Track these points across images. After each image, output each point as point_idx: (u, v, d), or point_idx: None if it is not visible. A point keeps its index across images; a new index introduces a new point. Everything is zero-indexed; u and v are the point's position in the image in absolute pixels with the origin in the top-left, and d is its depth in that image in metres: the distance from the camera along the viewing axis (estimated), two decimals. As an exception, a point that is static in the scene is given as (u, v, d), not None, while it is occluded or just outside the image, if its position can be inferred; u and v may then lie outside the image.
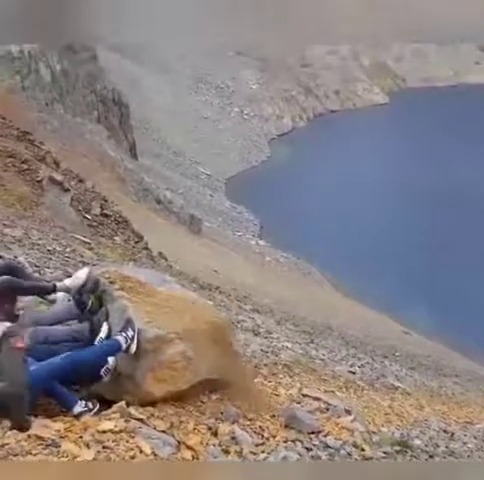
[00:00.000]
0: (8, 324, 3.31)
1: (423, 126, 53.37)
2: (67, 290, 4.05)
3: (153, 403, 3.76)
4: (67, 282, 4.07)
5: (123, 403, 3.44)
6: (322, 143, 49.74)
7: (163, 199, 28.95)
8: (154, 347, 3.87)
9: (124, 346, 3.74)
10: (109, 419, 3.23)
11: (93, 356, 3.69)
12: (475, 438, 6.34)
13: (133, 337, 3.79)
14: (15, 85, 25.01)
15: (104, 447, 2.92)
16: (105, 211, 12.74)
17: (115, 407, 3.39)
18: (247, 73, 59.43)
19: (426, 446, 5.20)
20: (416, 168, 43.30)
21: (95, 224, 12.07)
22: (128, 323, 3.86)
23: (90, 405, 3.56)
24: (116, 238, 11.93)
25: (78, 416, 3.42)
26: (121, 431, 3.09)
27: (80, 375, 3.62)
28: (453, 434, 6.18)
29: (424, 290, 26.90)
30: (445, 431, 6.22)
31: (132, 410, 3.42)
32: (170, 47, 51.63)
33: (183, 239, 26.18)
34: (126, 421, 3.23)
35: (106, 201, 13.59)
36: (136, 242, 12.58)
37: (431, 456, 4.84)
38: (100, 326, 3.83)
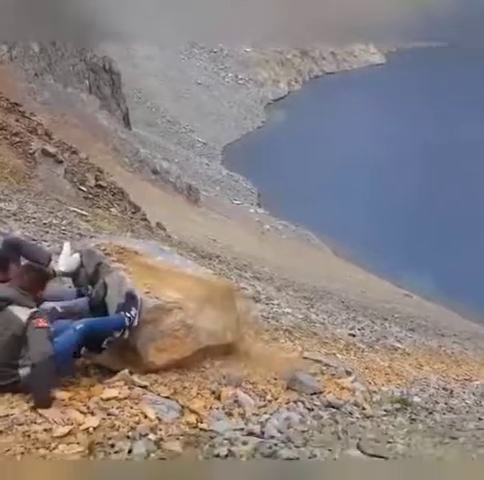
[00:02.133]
0: (34, 309, 3.44)
1: (419, 85, 52.68)
2: (66, 275, 4.12)
3: (156, 371, 3.81)
4: (62, 268, 4.14)
5: (126, 371, 3.49)
6: (318, 107, 49.02)
7: (159, 169, 28.73)
8: (154, 317, 3.90)
9: (127, 324, 3.79)
10: (113, 387, 3.28)
11: (102, 327, 3.77)
12: (474, 394, 6.45)
13: (136, 314, 3.82)
14: (3, 55, 24.44)
15: (109, 414, 2.97)
16: (100, 182, 12.63)
17: (118, 375, 3.44)
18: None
19: (426, 403, 5.30)
20: (413, 128, 42.92)
21: (91, 196, 11.99)
22: (130, 300, 3.88)
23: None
24: (112, 209, 11.88)
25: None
26: (125, 398, 3.15)
27: (88, 342, 3.69)
28: (452, 391, 6.29)
29: (423, 253, 27.04)
30: (444, 388, 6.33)
31: (135, 378, 3.47)
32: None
33: (181, 209, 26.12)
34: (130, 388, 3.29)
35: (101, 172, 13.47)
36: (133, 213, 12.54)
37: (431, 413, 4.94)
38: (99, 300, 3.87)
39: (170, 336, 3.92)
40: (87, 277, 4.19)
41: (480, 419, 5.16)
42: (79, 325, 3.56)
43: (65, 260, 4.26)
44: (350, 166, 37.17)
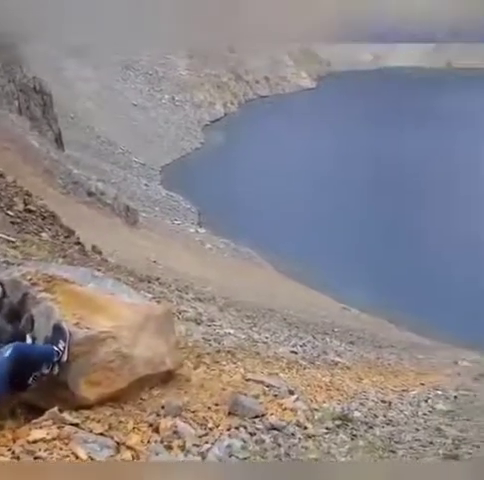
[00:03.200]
0: None
1: (348, 108, 55.22)
2: None
3: (89, 407, 3.62)
4: None
5: (55, 409, 3.28)
6: (254, 128, 50.07)
7: (95, 191, 28.06)
8: (85, 349, 3.69)
9: (55, 359, 3.54)
10: (40, 427, 3.07)
11: (33, 353, 3.47)
12: (410, 405, 6.62)
13: (64, 348, 3.59)
14: None
15: (36, 458, 2.77)
16: (29, 206, 12.12)
17: (47, 414, 3.22)
18: (175, 59, 58.51)
19: (365, 417, 5.38)
20: (344, 148, 44.63)
21: (19, 221, 11.48)
22: (58, 333, 3.64)
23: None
24: (43, 234, 11.40)
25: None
26: (54, 439, 2.94)
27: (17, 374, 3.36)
28: (390, 403, 6.42)
29: (360, 266, 27.85)
30: (383, 401, 6.46)
31: (66, 415, 3.26)
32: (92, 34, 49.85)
33: (119, 231, 25.58)
34: (59, 428, 3.08)
35: (30, 196, 12.93)
36: (66, 237, 12.08)
37: (370, 427, 5.01)
38: (24, 336, 3.62)
39: (104, 368, 3.72)
40: (12, 309, 3.93)
41: (417, 430, 5.30)
42: (7, 351, 3.23)
43: None
44: (287, 184, 38.01)
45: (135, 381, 3.93)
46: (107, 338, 3.78)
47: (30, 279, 4.02)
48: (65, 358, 3.56)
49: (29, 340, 3.62)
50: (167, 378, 4.37)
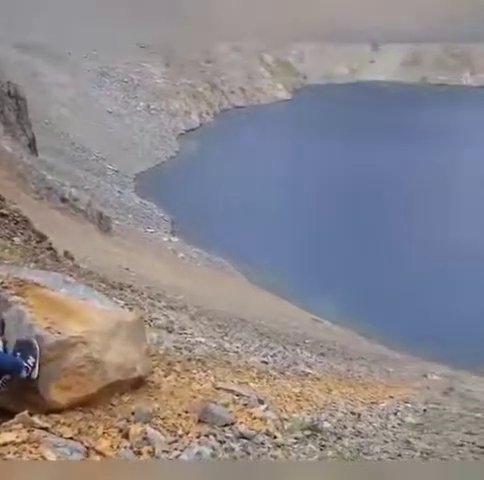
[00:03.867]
0: None
1: (322, 120, 56.10)
2: None
3: (59, 411, 3.59)
4: None
5: (25, 412, 3.25)
6: (229, 138, 50.33)
7: (68, 197, 27.71)
8: (56, 354, 3.66)
9: (24, 374, 3.50)
10: (10, 430, 3.04)
11: (4, 366, 3.43)
12: (380, 417, 6.71)
13: (34, 364, 3.55)
14: None
15: (5, 460, 2.74)
16: (2, 210, 11.93)
17: (17, 417, 3.19)
18: (151, 67, 58.52)
19: (335, 428, 5.44)
20: (318, 159, 45.27)
21: (-9, 225, 11.30)
22: (28, 349, 3.59)
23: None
24: (15, 239, 11.23)
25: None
26: (24, 442, 2.91)
27: None
28: (359, 415, 6.50)
29: (332, 278, 28.14)
30: (352, 412, 6.53)
31: (36, 419, 3.23)
32: (68, 41, 49.73)
33: (92, 238, 25.28)
34: (29, 431, 3.05)
35: (2, 200, 12.73)
36: (38, 242, 11.90)
37: (339, 438, 5.07)
38: None
39: (74, 373, 3.70)
40: None
41: (386, 442, 5.38)
42: None
43: None
44: (261, 194, 38.27)
45: (105, 387, 3.91)
46: (78, 343, 3.76)
47: (1, 283, 3.98)
48: (35, 375, 3.53)
49: (0, 343, 3.58)
50: (138, 384, 4.36)
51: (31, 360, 3.55)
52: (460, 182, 42.70)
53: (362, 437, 5.44)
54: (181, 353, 7.59)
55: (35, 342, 3.63)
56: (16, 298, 3.89)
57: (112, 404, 3.97)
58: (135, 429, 3.63)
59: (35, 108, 36.25)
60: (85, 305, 4.16)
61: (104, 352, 3.93)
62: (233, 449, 4.03)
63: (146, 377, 4.53)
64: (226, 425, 4.36)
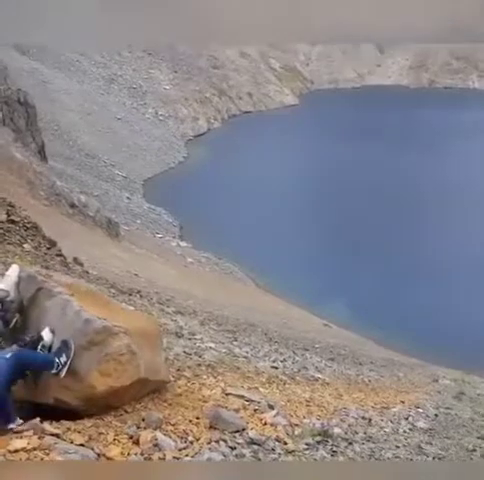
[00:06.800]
0: None
1: (329, 125, 56.05)
2: (6, 294, 3.93)
3: (92, 399, 3.68)
4: (1, 285, 3.97)
5: (37, 420, 3.27)
6: (237, 143, 50.41)
7: (77, 203, 27.86)
8: (102, 338, 3.84)
9: (54, 370, 3.64)
10: (21, 437, 3.05)
11: (30, 360, 3.60)
12: (391, 422, 6.64)
13: (65, 363, 3.68)
14: None
15: (13, 461, 2.75)
16: (12, 217, 12.01)
17: (28, 424, 3.21)
18: (159, 74, 58.84)
19: (346, 434, 5.39)
20: (325, 163, 45.18)
21: (1, 231, 11.37)
22: (64, 347, 3.74)
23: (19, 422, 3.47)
24: (25, 245, 11.30)
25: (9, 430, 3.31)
26: (35, 449, 2.92)
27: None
28: (370, 420, 6.43)
29: (341, 283, 28.00)
30: (363, 417, 6.47)
31: (46, 425, 3.25)
32: (76, 48, 50.19)
33: (101, 244, 25.38)
34: (40, 438, 3.06)
35: (13, 207, 12.82)
36: (48, 248, 11.96)
37: (350, 443, 5.02)
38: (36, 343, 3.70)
39: (115, 360, 3.86)
40: (18, 303, 4.00)
41: (397, 447, 5.32)
42: (7, 354, 3.35)
43: (4, 280, 4.11)
44: (269, 199, 38.19)
45: (136, 381, 4.03)
46: (120, 333, 3.95)
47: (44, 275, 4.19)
48: (63, 374, 3.64)
49: (49, 334, 3.74)
50: (160, 388, 4.43)
51: (63, 359, 3.69)
52: (477, 185, 41.99)
53: (373, 442, 5.40)
54: (191, 359, 7.58)
55: (72, 344, 3.76)
56: (61, 289, 4.10)
57: (125, 410, 4.00)
58: (146, 435, 3.62)
59: (44, 115, 36.54)
60: (122, 306, 4.37)
61: (139, 348, 4.11)
62: (244, 455, 4.01)
63: (168, 382, 4.62)
64: (237, 431, 4.34)
